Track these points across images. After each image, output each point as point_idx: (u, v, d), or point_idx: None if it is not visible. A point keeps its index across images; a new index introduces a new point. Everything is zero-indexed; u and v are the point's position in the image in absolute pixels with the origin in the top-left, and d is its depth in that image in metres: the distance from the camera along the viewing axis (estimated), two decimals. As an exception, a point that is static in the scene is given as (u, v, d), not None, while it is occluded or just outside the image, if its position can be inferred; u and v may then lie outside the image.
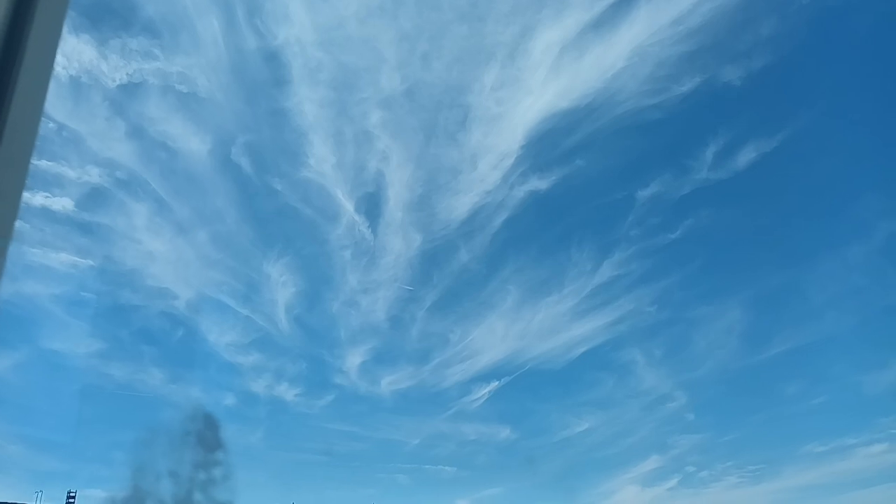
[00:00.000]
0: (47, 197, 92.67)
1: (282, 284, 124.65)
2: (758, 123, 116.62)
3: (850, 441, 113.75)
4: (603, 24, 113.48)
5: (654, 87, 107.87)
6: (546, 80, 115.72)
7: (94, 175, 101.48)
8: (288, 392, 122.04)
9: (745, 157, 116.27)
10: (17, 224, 2.03)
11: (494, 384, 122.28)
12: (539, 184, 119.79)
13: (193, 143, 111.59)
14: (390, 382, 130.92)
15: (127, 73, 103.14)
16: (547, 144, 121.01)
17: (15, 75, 1.98)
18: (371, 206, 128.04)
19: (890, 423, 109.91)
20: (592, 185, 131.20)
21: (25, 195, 1.97)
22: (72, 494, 58.37)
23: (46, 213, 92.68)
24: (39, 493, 63.19)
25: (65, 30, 2.48)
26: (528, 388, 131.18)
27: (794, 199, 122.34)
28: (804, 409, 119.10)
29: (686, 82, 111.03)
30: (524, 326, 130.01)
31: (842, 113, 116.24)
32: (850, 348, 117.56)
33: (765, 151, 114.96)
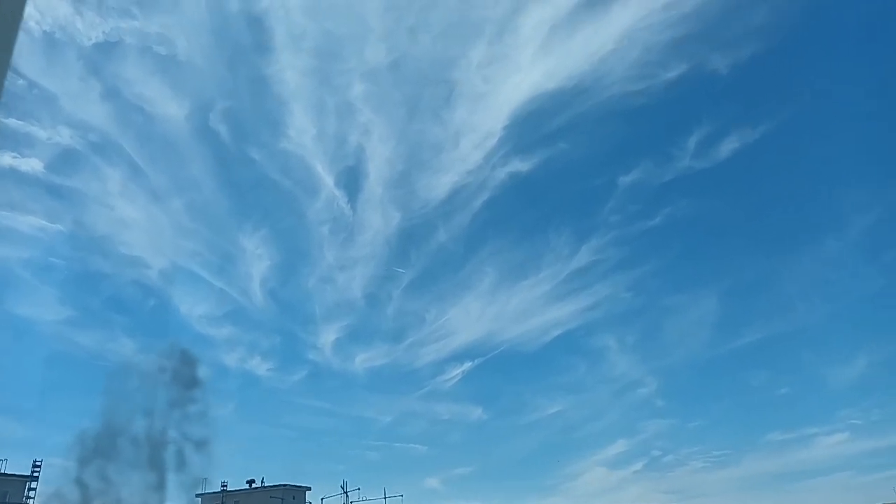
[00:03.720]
0: (15, 157, 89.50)
1: (257, 257, 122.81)
2: (742, 113, 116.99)
3: (812, 431, 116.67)
4: (595, 4, 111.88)
5: (642, 72, 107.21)
6: (534, 59, 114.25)
7: (65, 136, 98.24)
8: (260, 366, 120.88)
9: (728, 146, 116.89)
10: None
11: (468, 364, 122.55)
12: (521, 165, 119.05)
13: (171, 108, 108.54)
14: (364, 360, 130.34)
15: (103, 32, 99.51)
16: (531, 125, 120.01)
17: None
18: (351, 180, 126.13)
19: (850, 415, 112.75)
20: (574, 168, 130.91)
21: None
22: (37, 463, 57.25)
23: (14, 174, 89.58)
24: (5, 462, 61.92)
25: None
26: (501, 369, 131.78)
27: (774, 190, 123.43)
28: (769, 398, 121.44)
29: (673, 69, 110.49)
30: (500, 308, 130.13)
31: (826, 106, 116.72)
32: (818, 340, 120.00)
33: (747, 142, 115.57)
